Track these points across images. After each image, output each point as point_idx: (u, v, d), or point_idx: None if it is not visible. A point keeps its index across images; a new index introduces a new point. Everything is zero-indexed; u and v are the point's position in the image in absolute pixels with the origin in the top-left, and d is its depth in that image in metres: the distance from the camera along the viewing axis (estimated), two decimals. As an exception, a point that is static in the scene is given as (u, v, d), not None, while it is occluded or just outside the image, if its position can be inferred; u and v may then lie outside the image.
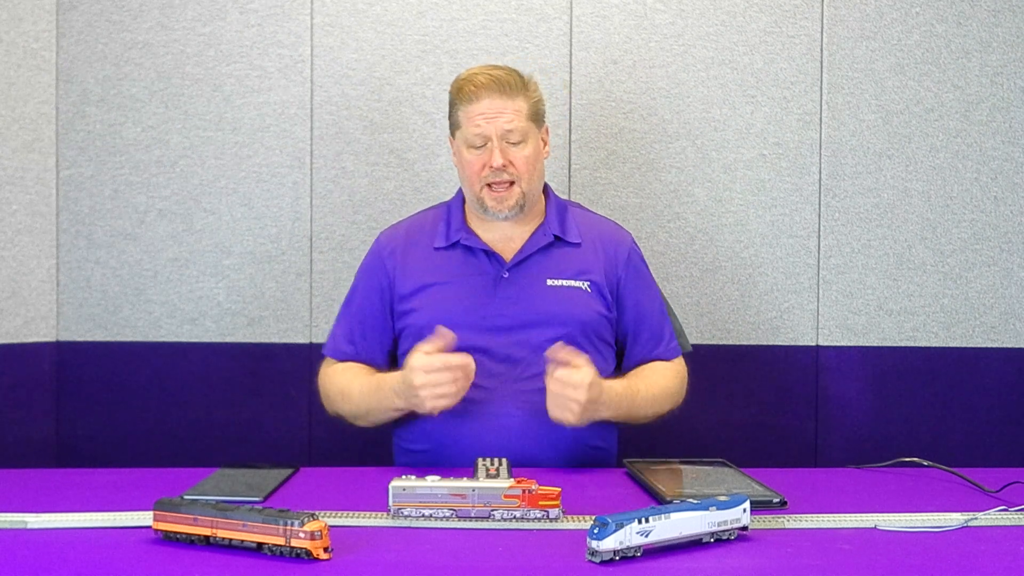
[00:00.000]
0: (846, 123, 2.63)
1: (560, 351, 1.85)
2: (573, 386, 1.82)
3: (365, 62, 2.62)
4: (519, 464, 1.79)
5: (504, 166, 1.97)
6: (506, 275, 2.03)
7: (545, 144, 2.08)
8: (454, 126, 2.05)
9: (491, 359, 1.97)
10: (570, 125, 2.62)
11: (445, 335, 1.85)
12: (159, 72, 2.62)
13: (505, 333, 1.99)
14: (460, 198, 2.12)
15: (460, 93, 2.01)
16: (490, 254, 2.05)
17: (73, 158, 2.63)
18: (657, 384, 2.05)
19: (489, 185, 2.00)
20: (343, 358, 2.09)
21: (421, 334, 1.96)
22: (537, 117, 2.04)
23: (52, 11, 2.61)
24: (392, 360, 2.10)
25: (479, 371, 1.91)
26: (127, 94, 2.63)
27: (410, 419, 1.99)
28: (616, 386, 1.94)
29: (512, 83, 1.99)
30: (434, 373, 1.82)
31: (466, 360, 1.83)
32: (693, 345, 2.36)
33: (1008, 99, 2.64)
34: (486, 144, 1.98)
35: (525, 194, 2.01)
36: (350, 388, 2.02)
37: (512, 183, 1.99)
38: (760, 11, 2.63)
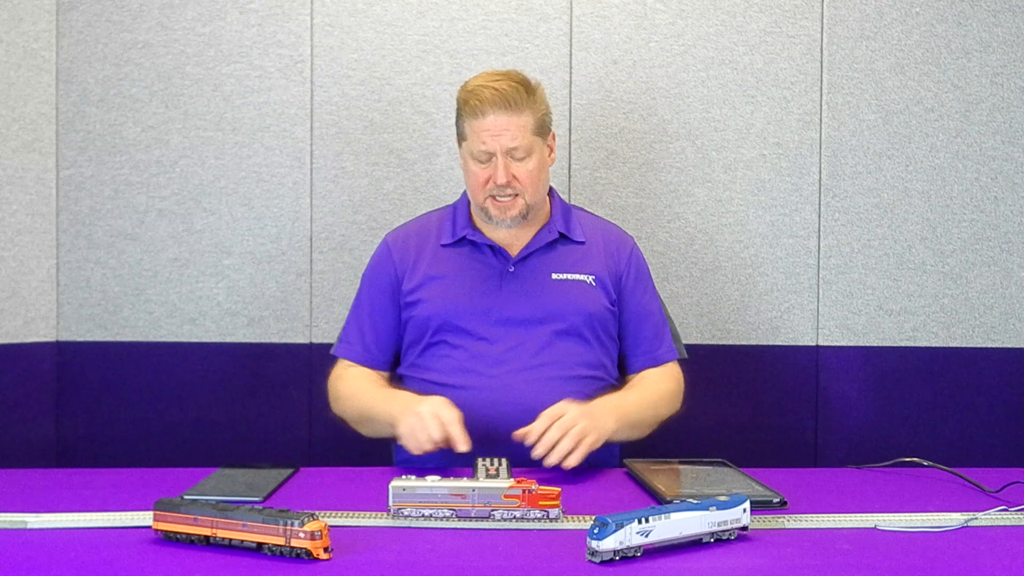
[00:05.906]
0: (846, 123, 2.63)
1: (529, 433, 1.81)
2: (561, 422, 1.79)
3: (365, 62, 2.62)
4: (520, 462, 1.79)
5: (508, 182, 1.99)
6: (512, 269, 2.06)
7: (551, 151, 2.09)
8: (460, 136, 2.06)
9: (496, 350, 2.00)
10: (570, 125, 2.62)
11: (461, 442, 1.80)
12: (159, 72, 2.62)
13: (511, 326, 2.01)
14: (466, 199, 2.13)
15: (466, 106, 2.01)
16: (496, 249, 2.07)
17: (73, 158, 2.63)
18: (652, 389, 2.07)
19: (493, 196, 2.02)
20: (355, 358, 2.10)
21: (427, 325, 2.03)
22: (543, 129, 2.04)
23: (52, 11, 2.61)
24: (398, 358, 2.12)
25: (484, 362, 1.96)
26: (127, 94, 2.63)
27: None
28: (604, 398, 1.96)
29: (518, 99, 1.98)
30: (424, 433, 1.81)
31: (458, 440, 1.80)
32: (694, 346, 2.36)
33: (1008, 99, 2.64)
34: (491, 159, 1.99)
35: (529, 205, 2.03)
36: (358, 395, 2.04)
37: (516, 195, 2.01)
38: (760, 11, 2.63)
